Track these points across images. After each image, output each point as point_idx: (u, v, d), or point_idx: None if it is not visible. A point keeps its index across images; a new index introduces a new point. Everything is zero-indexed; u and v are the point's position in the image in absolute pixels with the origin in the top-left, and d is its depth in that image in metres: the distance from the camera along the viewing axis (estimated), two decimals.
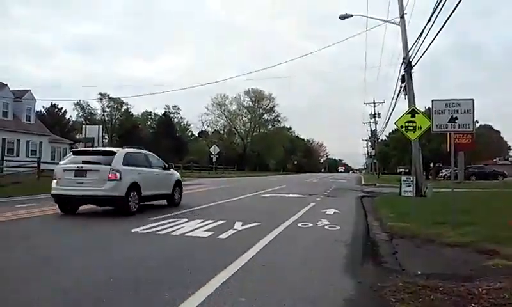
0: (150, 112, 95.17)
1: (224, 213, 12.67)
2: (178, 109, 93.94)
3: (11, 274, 5.74)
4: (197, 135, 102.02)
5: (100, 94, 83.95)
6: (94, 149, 16.95)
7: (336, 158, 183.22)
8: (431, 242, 8.27)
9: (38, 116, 50.65)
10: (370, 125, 77.53)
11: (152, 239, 8.44)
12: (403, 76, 21.47)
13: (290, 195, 21.25)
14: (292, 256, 7.38)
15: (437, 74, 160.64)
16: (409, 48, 20.97)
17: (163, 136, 79.76)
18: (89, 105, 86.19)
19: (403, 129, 12.72)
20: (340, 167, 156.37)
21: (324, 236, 9.41)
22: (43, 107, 71.77)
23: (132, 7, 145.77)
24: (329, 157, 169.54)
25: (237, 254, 6.97)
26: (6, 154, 35.83)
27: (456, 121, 10.39)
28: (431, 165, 56.47)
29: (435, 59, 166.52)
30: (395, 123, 13.61)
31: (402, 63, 21.62)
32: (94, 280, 5.39)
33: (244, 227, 9.97)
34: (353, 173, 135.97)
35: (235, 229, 9.59)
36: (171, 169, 15.93)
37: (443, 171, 53.90)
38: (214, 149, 55.48)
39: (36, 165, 27.42)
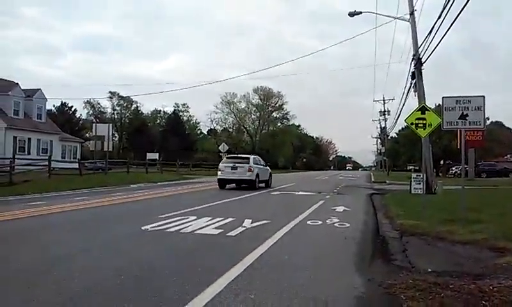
0: (160, 110, 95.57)
1: (234, 211, 12.69)
2: (188, 107, 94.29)
3: (21, 272, 5.80)
4: (206, 133, 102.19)
5: (110, 93, 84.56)
6: (238, 155, 27.01)
7: (346, 156, 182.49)
8: (442, 240, 8.22)
9: (48, 114, 51.10)
10: (380, 122, 77.39)
11: (162, 237, 8.48)
12: (413, 73, 21.36)
13: (300, 192, 21.23)
14: (301, 253, 7.37)
15: (447, 71, 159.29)
16: (419, 45, 20.85)
17: (172, 134, 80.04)
18: (99, 104, 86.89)
19: (413, 126, 12.64)
20: (348, 165, 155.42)
21: (334, 233, 9.40)
22: (54, 105, 72.47)
23: (141, 8, 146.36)
24: (338, 154, 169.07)
25: (247, 251, 6.98)
26: (17, 152, 36.19)
27: (467, 118, 10.31)
28: (441, 162, 56.11)
29: (445, 57, 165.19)
30: (405, 120, 13.53)
31: (412, 60, 21.48)
32: (104, 278, 5.43)
33: (253, 225, 9.98)
34: (363, 170, 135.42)
35: (244, 227, 9.61)
36: (267, 166, 26.82)
37: (454, 168, 53.58)
38: (223, 147, 55.51)
39: (47, 163, 27.66)
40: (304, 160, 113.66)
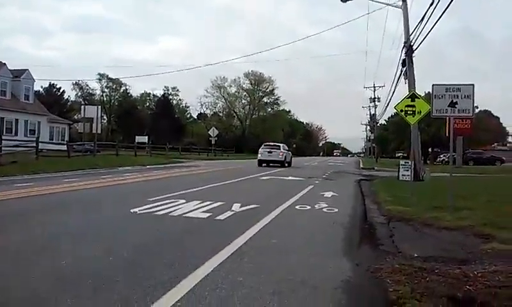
0: (149, 93, 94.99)
1: (223, 195, 12.70)
2: (177, 90, 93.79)
3: (9, 254, 5.77)
4: (196, 117, 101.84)
5: (99, 74, 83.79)
6: (273, 143, 36.58)
7: (336, 142, 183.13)
8: (428, 226, 8.31)
9: (36, 95, 50.47)
10: (370, 109, 77.51)
11: (151, 220, 8.47)
12: (404, 60, 21.40)
13: (289, 178, 21.31)
14: (289, 238, 7.42)
15: (438, 59, 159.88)
16: (410, 33, 20.86)
17: (162, 117, 79.61)
18: (87, 86, 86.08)
19: (403, 113, 12.72)
20: (335, 151, 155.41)
21: (322, 218, 9.46)
22: (42, 87, 71.71)
23: None
24: (328, 140, 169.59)
25: (235, 235, 7.01)
26: (4, 133, 35.77)
27: (456, 106, 10.36)
28: (429, 150, 56.56)
29: (437, 44, 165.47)
30: (394, 107, 13.60)
31: (403, 47, 21.53)
32: (93, 259, 5.42)
33: (242, 209, 10.00)
34: (351, 156, 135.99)
35: (233, 211, 9.63)
36: (290, 151, 37.50)
37: (442, 155, 54.09)
38: (213, 132, 55.41)
39: (34, 145, 27.39)
40: (295, 145, 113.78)
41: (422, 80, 73.53)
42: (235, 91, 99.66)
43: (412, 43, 20.58)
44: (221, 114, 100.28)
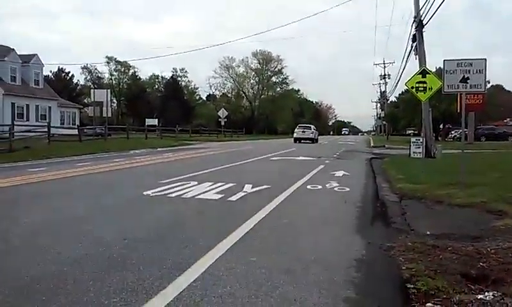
0: (158, 75, 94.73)
1: (234, 176, 12.76)
2: (186, 72, 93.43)
3: (25, 238, 5.88)
4: (205, 98, 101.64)
5: (107, 57, 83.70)
6: (305, 125, 48.28)
7: (346, 121, 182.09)
8: (440, 203, 8.30)
9: (45, 80, 50.62)
10: (380, 87, 77.10)
11: (163, 201, 8.56)
12: (414, 35, 21.09)
13: (300, 158, 21.30)
14: (301, 217, 7.46)
15: (449, 33, 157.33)
16: (420, 6, 20.51)
17: (171, 99, 79.58)
18: (96, 69, 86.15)
19: (413, 90, 12.59)
20: (343, 129, 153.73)
21: (334, 198, 9.49)
22: (51, 71, 71.75)
23: None
24: (338, 119, 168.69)
25: (248, 216, 7.06)
26: (15, 119, 36.08)
27: (468, 81, 10.24)
28: (441, 126, 56.06)
29: (447, 18, 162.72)
30: (405, 83, 13.47)
31: (413, 22, 21.18)
32: (108, 241, 5.49)
33: (253, 189, 10.05)
34: (362, 135, 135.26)
35: (245, 192, 9.68)
36: (317, 130, 49.22)
37: (453, 132, 53.60)
38: (223, 113, 55.34)
39: (46, 130, 27.63)
40: None
41: (433, 55, 72.54)
42: (244, 71, 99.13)
43: (422, 18, 20.26)
44: (229, 95, 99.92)
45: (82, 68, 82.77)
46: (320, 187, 10.94)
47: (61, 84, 67.74)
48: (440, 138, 50.27)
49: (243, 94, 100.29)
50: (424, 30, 20.50)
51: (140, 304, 3.61)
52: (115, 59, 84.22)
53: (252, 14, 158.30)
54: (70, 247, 5.25)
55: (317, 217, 7.49)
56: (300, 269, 4.52)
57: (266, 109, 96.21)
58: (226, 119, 56.17)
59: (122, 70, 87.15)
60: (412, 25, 21.30)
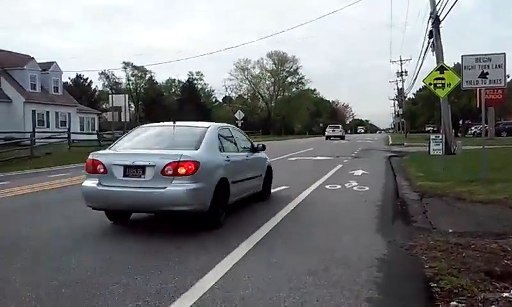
0: (174, 79, 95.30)
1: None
2: (202, 75, 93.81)
3: (53, 240, 5.97)
4: (221, 101, 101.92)
5: (124, 63, 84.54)
6: (334, 125, 56.98)
7: (363, 119, 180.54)
8: (462, 200, 8.20)
9: (64, 87, 51.36)
10: (397, 84, 76.18)
11: None
12: (431, 31, 20.82)
13: (317, 157, 21.21)
14: (321, 218, 7.45)
15: (466, 28, 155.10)
16: (436, 2, 20.27)
17: (187, 103, 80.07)
18: (113, 75, 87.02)
19: (432, 86, 12.48)
20: (359, 127, 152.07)
21: (353, 197, 9.44)
22: (69, 78, 72.76)
23: None
24: (355, 117, 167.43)
25: (267, 217, 7.08)
26: (36, 126, 36.68)
27: (487, 76, 10.11)
28: (460, 122, 55.31)
29: (464, 13, 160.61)
30: (423, 80, 13.35)
31: (429, 18, 20.92)
32: (131, 245, 5.57)
33: (272, 190, 10.02)
34: (379, 133, 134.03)
35: None
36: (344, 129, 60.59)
37: (473, 128, 52.74)
38: (239, 115, 55.34)
39: (66, 136, 28.06)
40: (321, 125, 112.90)
41: (450, 51, 71.56)
42: (259, 73, 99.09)
43: (439, 14, 20.02)
44: (245, 97, 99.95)
45: (100, 74, 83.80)
46: (339, 186, 10.89)
47: (79, 90, 68.73)
48: (459, 134, 49.60)
49: (259, 96, 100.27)
50: (440, 26, 20.25)
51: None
52: (132, 64, 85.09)
53: (265, 15, 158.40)
54: (94, 250, 5.33)
55: (336, 217, 7.46)
56: (321, 270, 4.52)
57: (282, 109, 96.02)
58: (242, 121, 56.14)
59: (139, 74, 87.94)
60: (428, 22, 21.07)
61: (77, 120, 46.77)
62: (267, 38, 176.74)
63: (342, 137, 52.34)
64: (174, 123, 7.44)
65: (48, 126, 40.74)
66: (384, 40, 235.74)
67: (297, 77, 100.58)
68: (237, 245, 5.36)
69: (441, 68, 12.66)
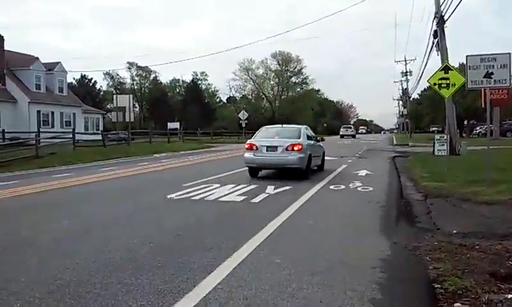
0: (178, 79, 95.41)
1: (256, 178, 12.77)
2: (206, 75, 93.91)
3: (57, 242, 5.99)
4: (225, 101, 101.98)
5: (128, 63, 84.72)
6: (347, 125, 68.83)
7: (367, 119, 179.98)
8: (467, 201, 8.17)
9: (69, 87, 51.50)
10: (402, 84, 75.88)
11: (187, 204, 8.63)
12: (435, 31, 20.74)
13: None
14: (325, 218, 7.44)
15: (471, 28, 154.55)
16: (441, 2, 20.20)
17: (192, 103, 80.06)
18: (118, 75, 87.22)
19: (436, 87, 12.45)
20: (361, 127, 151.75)
21: (357, 198, 9.42)
22: (74, 78, 72.95)
23: None
24: (359, 117, 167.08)
25: (271, 217, 7.07)
26: (41, 126, 36.78)
27: (492, 76, 10.07)
28: (465, 122, 55.06)
29: (469, 12, 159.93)
30: (427, 80, 13.31)
31: (434, 18, 20.86)
32: (135, 245, 5.57)
33: (276, 191, 10.05)
34: (384, 133, 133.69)
35: (267, 193, 9.69)
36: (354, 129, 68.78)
37: (478, 128, 52.52)
38: (243, 115, 55.36)
39: (71, 136, 28.12)
40: (325, 125, 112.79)
41: (455, 51, 71.30)
42: (263, 73, 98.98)
43: (443, 14, 19.95)
44: (250, 97, 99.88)
45: (105, 74, 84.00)
46: (343, 186, 10.88)
47: (84, 90, 68.89)
48: (464, 135, 49.36)
49: (263, 96, 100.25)
50: (445, 26, 20.18)
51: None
52: (136, 64, 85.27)
53: (270, 15, 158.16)
54: (98, 251, 5.34)
55: (340, 218, 7.45)
56: (325, 270, 4.51)
57: (286, 109, 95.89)
58: (247, 121, 56.19)
59: (143, 74, 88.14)
60: (433, 21, 21.00)
61: (81, 120, 46.88)
62: (271, 38, 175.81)
63: (354, 136, 59.21)
64: (282, 126, 14.25)
65: (53, 126, 40.84)
66: (389, 40, 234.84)
67: (302, 77, 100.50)
68: (241, 245, 5.37)
69: (446, 68, 12.62)
